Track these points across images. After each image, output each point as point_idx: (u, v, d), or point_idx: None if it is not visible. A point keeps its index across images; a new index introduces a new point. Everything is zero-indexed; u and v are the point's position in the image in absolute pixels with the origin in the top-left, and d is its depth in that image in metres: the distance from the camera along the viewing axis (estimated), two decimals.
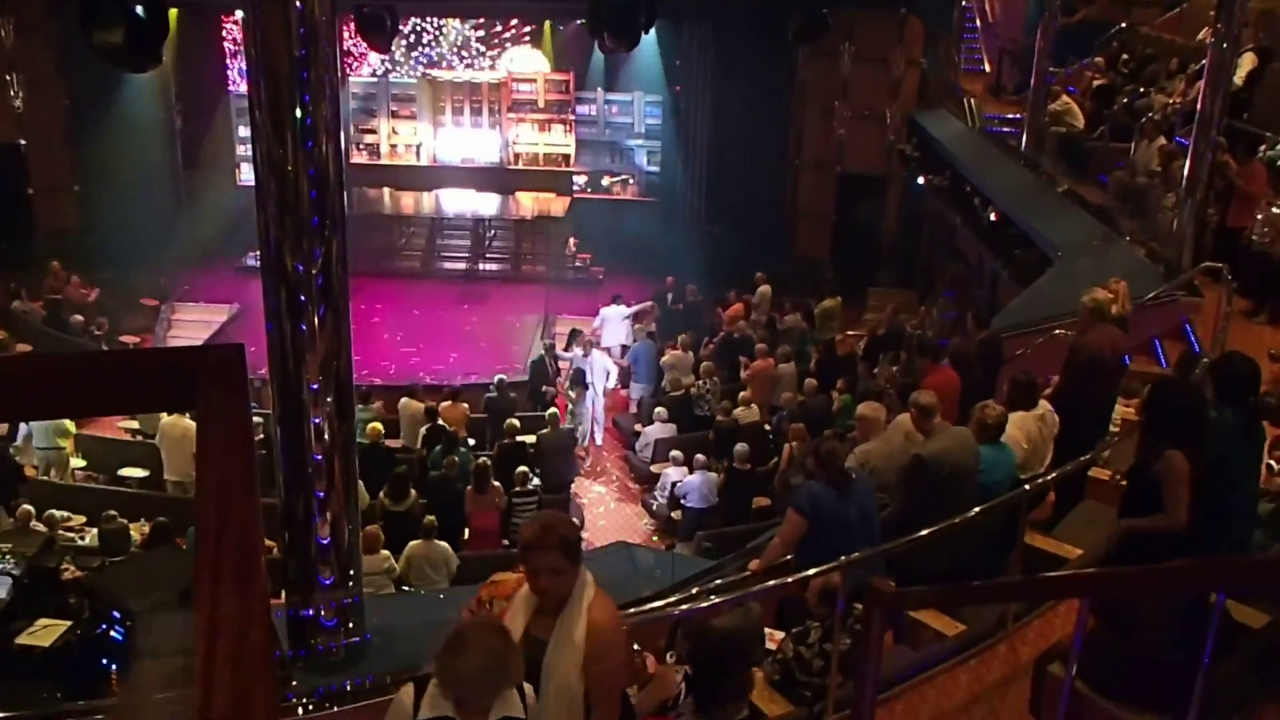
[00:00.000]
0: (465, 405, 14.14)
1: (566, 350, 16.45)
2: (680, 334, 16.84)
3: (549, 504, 12.20)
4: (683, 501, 12.62)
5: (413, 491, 11.27)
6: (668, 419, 14.57)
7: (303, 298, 5.47)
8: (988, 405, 6.96)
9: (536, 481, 12.31)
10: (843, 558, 5.49)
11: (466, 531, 11.61)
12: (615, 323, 17.51)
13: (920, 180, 19.41)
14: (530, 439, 13.20)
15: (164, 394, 1.81)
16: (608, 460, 15.49)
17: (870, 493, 6.43)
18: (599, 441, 15.60)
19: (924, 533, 5.92)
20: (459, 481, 11.71)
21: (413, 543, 10.16)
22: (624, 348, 17.15)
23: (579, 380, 15.17)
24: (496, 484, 11.69)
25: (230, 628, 1.34)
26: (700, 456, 12.86)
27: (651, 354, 16.49)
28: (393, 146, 24.11)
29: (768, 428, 13.70)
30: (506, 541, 11.38)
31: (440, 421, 13.22)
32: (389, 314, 19.44)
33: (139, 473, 12.86)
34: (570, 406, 15.10)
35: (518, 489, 11.87)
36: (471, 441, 13.47)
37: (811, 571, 5.60)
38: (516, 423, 13.05)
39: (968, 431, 6.77)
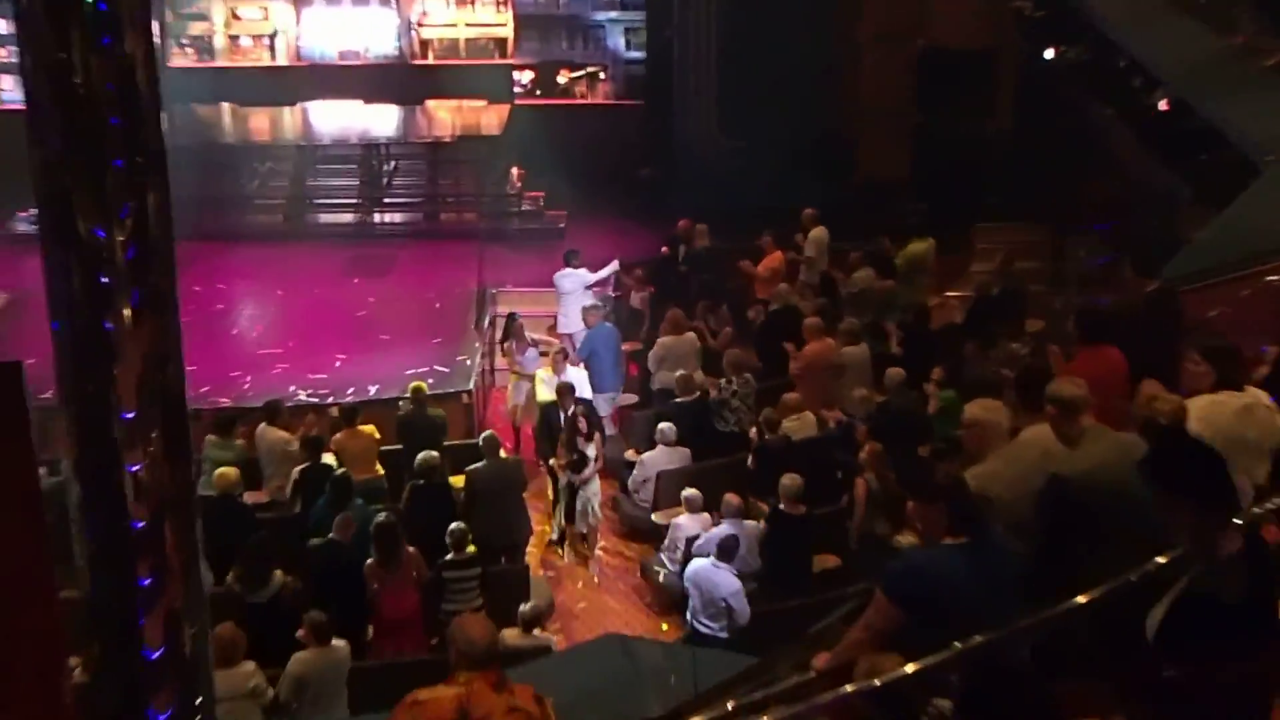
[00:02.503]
0: (372, 430, 14.07)
1: (505, 341, 16.58)
2: (673, 306, 16.73)
3: (496, 578, 12.19)
4: None
5: (278, 573, 11.25)
6: (675, 440, 14.53)
7: (106, 279, 5.46)
8: (1157, 396, 6.97)
9: (471, 547, 12.27)
10: (957, 645, 5.49)
11: (371, 627, 11.62)
12: (575, 297, 17.45)
13: (1048, 54, 19.42)
14: (459, 481, 13.25)
15: None
16: None
17: (1003, 548, 6.31)
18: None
19: (1080, 599, 5.92)
20: (357, 551, 11.68)
21: (299, 655, 10.12)
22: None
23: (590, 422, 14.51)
24: (412, 550, 11.67)
25: None
26: (730, 497, 12.83)
27: (614, 342, 16.59)
28: (233, 39, 24.11)
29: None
30: (434, 641, 11.41)
31: (328, 457, 13.21)
32: (239, 297, 19.43)
33: None
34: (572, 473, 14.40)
35: (451, 557, 11.86)
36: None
37: (909, 668, 5.60)
38: (435, 455, 13.00)
39: (1135, 439, 6.79)
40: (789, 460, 13.03)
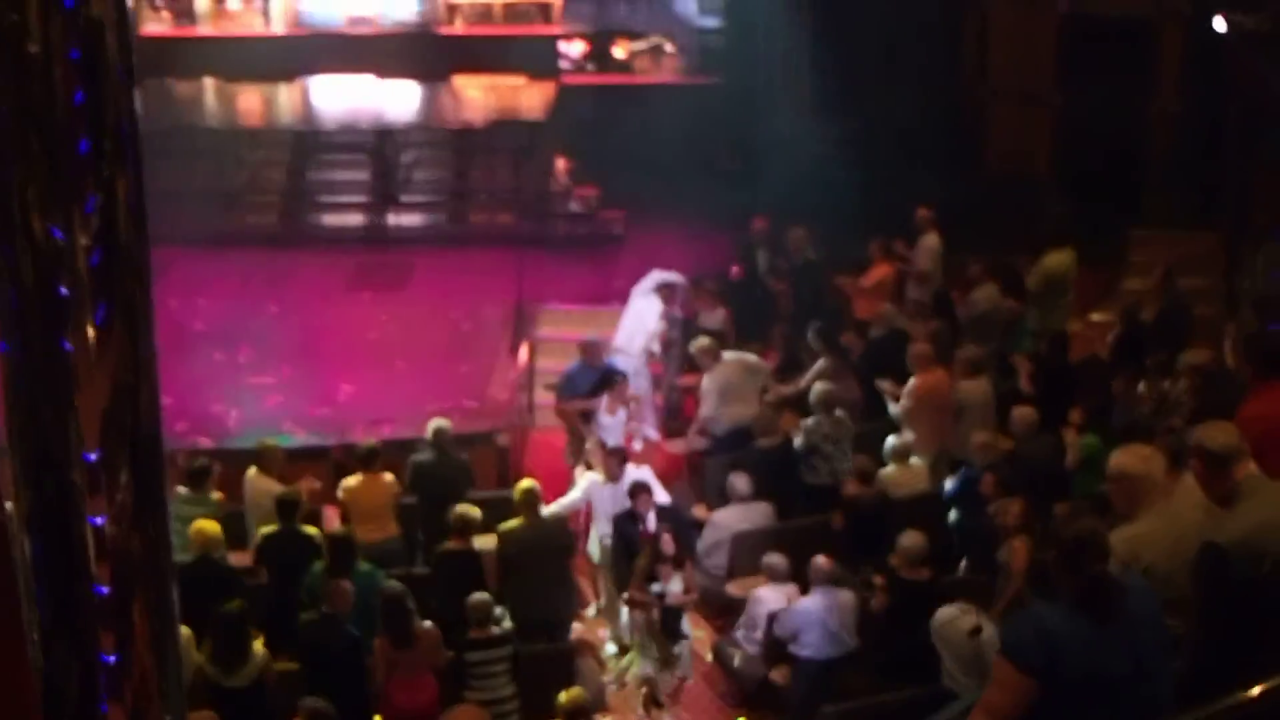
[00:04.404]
0: (389, 478, 14.02)
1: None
2: (744, 326, 16.59)
3: (532, 660, 12.22)
4: (791, 648, 12.62)
5: (258, 647, 11.30)
6: (752, 494, 14.51)
7: (66, 289, 5.54)
8: None
9: (507, 622, 12.29)
10: None
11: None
12: (643, 317, 17.57)
13: (1219, 23, 19.34)
14: (488, 542, 13.28)
15: None
16: None
17: (1154, 619, 6.31)
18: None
19: (1254, 692, 5.91)
20: (359, 625, 11.74)
21: None
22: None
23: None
24: (429, 626, 11.71)
25: None
26: (820, 560, 12.81)
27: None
28: (219, 1, 24.27)
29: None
30: None
31: (333, 515, 13.26)
32: (224, 314, 19.53)
33: None
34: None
35: (473, 635, 11.88)
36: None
37: None
38: (474, 512, 13.06)
39: None
40: (885, 521, 13.00)
